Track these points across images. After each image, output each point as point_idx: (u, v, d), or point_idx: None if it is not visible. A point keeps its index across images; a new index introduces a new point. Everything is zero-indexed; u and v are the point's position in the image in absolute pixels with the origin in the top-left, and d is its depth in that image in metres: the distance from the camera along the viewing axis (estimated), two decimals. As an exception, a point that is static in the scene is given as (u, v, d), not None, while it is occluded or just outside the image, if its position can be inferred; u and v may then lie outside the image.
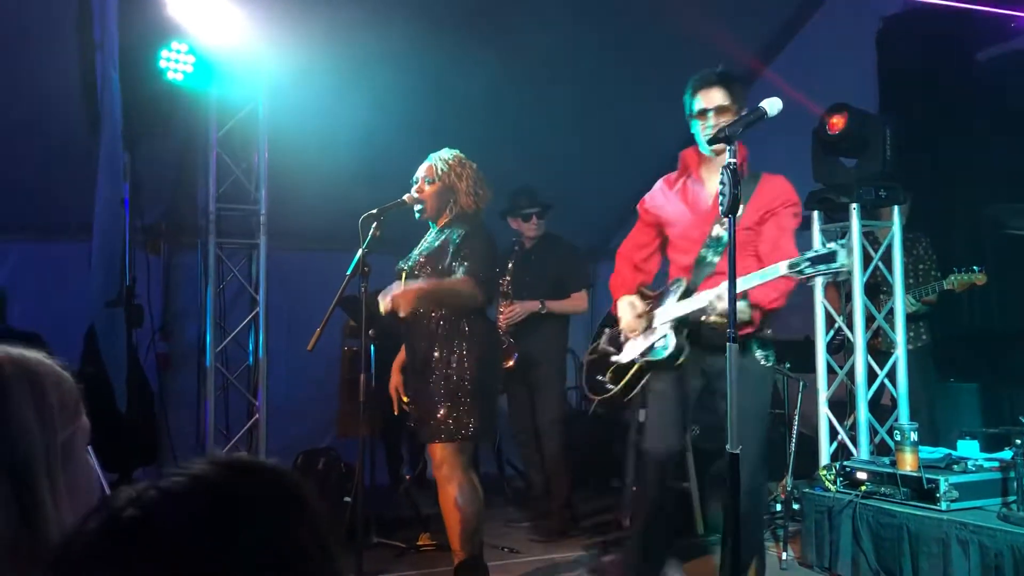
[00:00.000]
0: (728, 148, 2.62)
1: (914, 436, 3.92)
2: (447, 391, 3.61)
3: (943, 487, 3.69)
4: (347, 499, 4.39)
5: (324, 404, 6.63)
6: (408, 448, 6.05)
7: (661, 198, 3.54)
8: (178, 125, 4.75)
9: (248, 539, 0.73)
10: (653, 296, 3.45)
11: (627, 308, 3.45)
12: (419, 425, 3.75)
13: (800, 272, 2.80)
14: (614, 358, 3.52)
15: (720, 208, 2.62)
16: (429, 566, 4.32)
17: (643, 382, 3.40)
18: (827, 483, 4.18)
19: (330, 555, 0.80)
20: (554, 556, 4.72)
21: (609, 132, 6.33)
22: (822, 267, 2.73)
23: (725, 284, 2.73)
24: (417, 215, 3.79)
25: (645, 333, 3.38)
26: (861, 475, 4.05)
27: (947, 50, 5.39)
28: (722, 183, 2.59)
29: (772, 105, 2.72)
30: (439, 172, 3.73)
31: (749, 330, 3.17)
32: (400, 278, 3.79)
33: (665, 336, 3.27)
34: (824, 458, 4.54)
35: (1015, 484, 3.56)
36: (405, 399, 3.84)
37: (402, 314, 3.52)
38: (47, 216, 5.56)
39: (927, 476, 3.74)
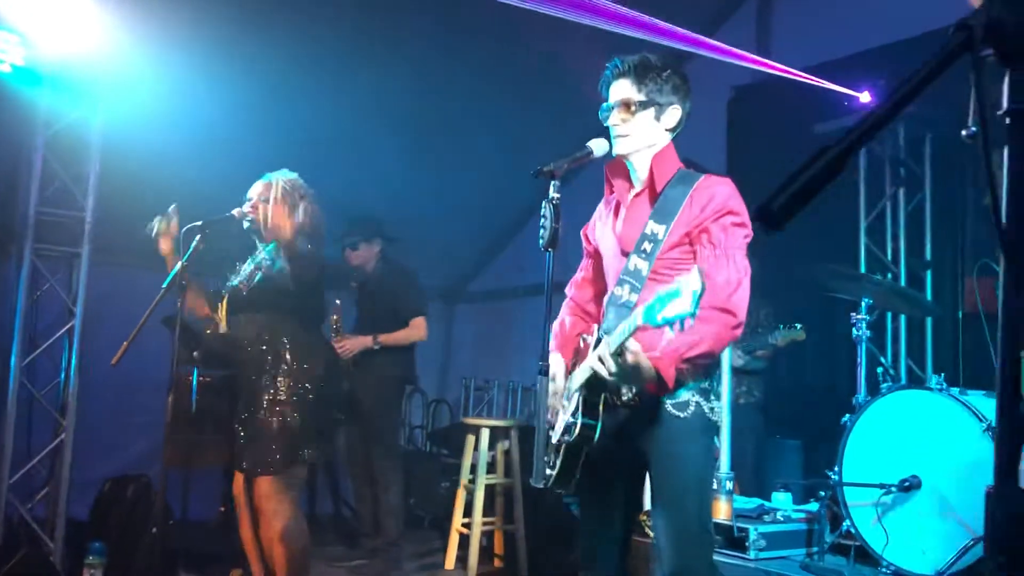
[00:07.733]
0: (552, 183, 2.50)
1: (729, 486, 4.02)
2: (275, 423, 3.54)
3: (752, 536, 3.78)
4: (154, 530, 4.13)
5: (152, 431, 6.28)
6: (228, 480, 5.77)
7: (597, 221, 2.87)
8: (2, 122, 4.45)
9: None
10: (584, 349, 2.61)
11: (552, 375, 2.64)
12: (244, 457, 3.63)
13: (652, 321, 2.12)
14: (552, 433, 2.63)
15: (540, 241, 2.47)
16: (236, 604, 4.10)
17: (581, 463, 2.51)
18: (646, 528, 4.21)
19: None
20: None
21: (469, 171, 6.33)
22: (669, 312, 2.06)
23: (607, 340, 2.35)
24: (246, 228, 3.70)
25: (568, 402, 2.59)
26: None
27: (788, 121, 5.70)
28: (543, 216, 2.48)
29: (598, 146, 2.68)
30: (272, 193, 3.67)
31: (663, 391, 2.43)
32: (222, 301, 3.68)
33: (576, 409, 2.49)
34: (646, 504, 4.57)
35: (817, 535, 3.70)
36: None
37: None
38: None
39: (738, 525, 3.84)
